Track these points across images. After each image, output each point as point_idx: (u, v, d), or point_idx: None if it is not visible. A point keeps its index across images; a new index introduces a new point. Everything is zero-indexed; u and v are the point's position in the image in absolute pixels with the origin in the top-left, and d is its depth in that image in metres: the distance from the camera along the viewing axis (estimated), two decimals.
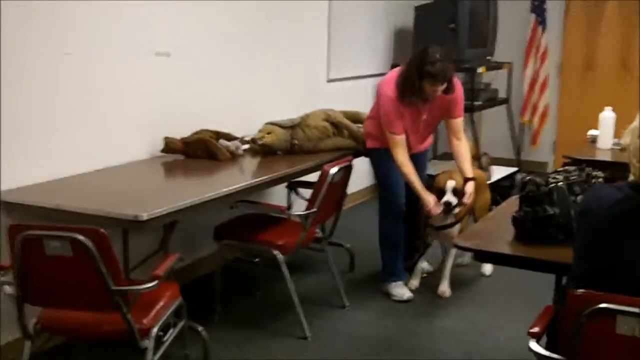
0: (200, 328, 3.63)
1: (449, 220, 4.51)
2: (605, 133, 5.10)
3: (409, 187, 4.61)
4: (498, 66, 7.24)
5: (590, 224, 2.38)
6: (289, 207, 5.11)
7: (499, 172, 6.73)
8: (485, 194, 4.84)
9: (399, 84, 4.29)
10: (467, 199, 4.40)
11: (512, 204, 3.54)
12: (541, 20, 7.67)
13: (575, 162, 4.91)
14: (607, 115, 5.09)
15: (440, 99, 4.34)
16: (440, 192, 4.41)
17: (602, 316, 2.22)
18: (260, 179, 4.06)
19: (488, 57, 7.21)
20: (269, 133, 4.57)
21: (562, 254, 2.84)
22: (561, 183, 2.99)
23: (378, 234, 4.78)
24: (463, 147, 4.56)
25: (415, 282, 4.79)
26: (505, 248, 2.95)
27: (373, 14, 6.81)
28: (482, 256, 2.97)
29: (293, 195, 5.08)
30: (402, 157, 4.42)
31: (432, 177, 4.62)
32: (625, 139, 2.43)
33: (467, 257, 5.16)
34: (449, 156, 6.71)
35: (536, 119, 7.86)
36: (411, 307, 4.57)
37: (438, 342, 4.14)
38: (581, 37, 8.09)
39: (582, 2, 8.00)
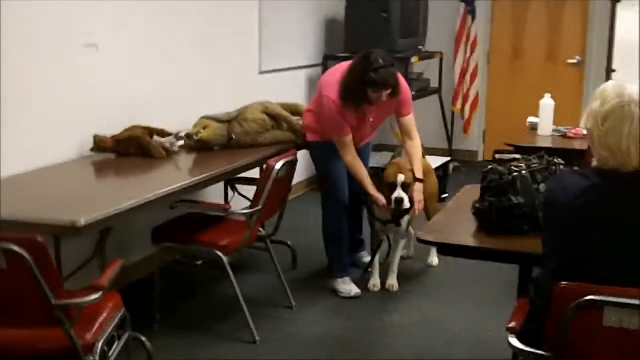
0: (143, 338, 3.42)
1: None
2: (545, 120, 5.07)
3: (352, 180, 4.48)
4: (430, 56, 7.19)
5: (558, 214, 2.30)
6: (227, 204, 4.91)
7: (431, 162, 6.64)
8: (432, 181, 4.72)
9: (342, 90, 4.15)
10: (418, 205, 4.32)
11: (468, 193, 3.44)
12: (471, 10, 7.63)
13: (518, 149, 4.89)
14: (547, 103, 5.06)
15: (387, 100, 4.21)
16: (390, 187, 4.28)
17: (589, 309, 2.11)
18: (201, 177, 3.84)
19: (420, 47, 7.14)
20: (204, 128, 4.36)
21: (527, 244, 2.76)
22: (524, 171, 2.88)
23: (322, 230, 4.63)
24: (415, 147, 4.45)
25: (377, 282, 4.63)
26: (470, 240, 2.84)
27: (304, 5, 6.64)
28: (447, 250, 2.83)
29: (230, 193, 4.88)
30: (351, 157, 4.31)
31: (379, 170, 4.49)
32: (586, 123, 2.34)
33: (412, 250, 5.06)
34: (385, 147, 6.70)
35: (467, 108, 7.83)
36: (360, 304, 4.43)
37: (391, 339, 4.02)
38: (509, 26, 8.10)
39: None
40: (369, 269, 4.69)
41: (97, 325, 2.85)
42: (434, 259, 4.97)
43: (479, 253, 2.81)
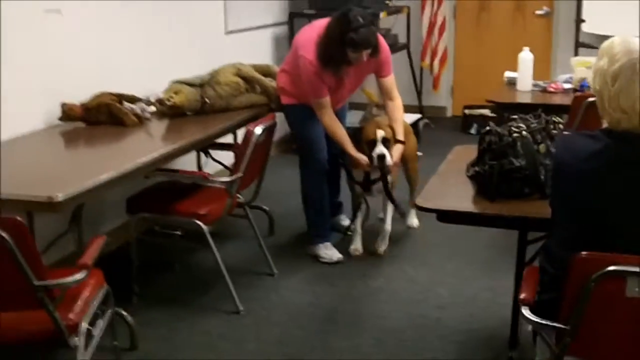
0: (125, 313, 3.30)
1: (376, 176, 4.26)
2: (524, 75, 4.96)
3: (329, 142, 4.34)
4: (397, 10, 7.03)
5: (568, 179, 2.19)
6: (200, 170, 4.77)
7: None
8: (411, 142, 4.60)
9: (320, 51, 3.98)
10: (396, 159, 4.18)
11: (459, 155, 3.34)
12: None
13: (499, 106, 4.80)
14: (526, 57, 4.94)
15: (367, 60, 4.05)
16: (370, 144, 4.14)
17: (610, 279, 2.02)
18: (178, 144, 3.69)
19: (387, 2, 6.98)
20: (176, 93, 4.18)
21: (530, 208, 2.67)
22: (524, 132, 2.77)
23: (301, 194, 4.50)
24: (395, 108, 4.30)
25: (359, 246, 4.52)
26: (471, 206, 2.73)
27: None
28: (447, 217, 2.72)
29: (204, 158, 4.72)
30: (329, 118, 4.16)
31: (356, 130, 4.35)
32: (594, 83, 2.23)
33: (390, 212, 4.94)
34: (355, 106, 6.55)
35: (436, 63, 7.69)
36: (343, 269, 4.33)
37: (378, 305, 3.92)
38: None
39: None
40: (349, 233, 4.57)
41: (80, 304, 2.72)
42: (414, 220, 4.88)
43: (483, 219, 2.69)
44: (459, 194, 2.82)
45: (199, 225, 3.71)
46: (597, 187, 2.12)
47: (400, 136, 4.22)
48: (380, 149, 4.09)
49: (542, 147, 2.83)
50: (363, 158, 4.13)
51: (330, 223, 4.58)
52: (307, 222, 4.52)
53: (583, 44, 7.16)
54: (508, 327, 3.28)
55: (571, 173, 2.16)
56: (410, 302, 3.91)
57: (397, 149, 4.20)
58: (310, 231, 4.52)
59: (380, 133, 4.12)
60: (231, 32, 5.86)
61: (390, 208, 4.45)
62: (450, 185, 2.92)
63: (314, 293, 4.05)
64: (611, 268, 2.00)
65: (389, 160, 4.10)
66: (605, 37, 6.52)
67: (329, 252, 4.41)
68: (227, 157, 4.99)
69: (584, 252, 2.05)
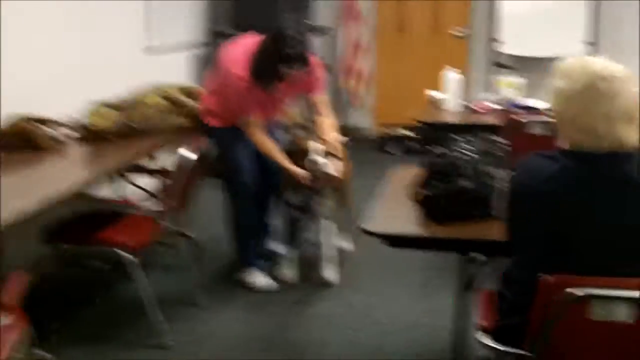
0: (48, 355, 3.06)
1: (315, 198, 4.14)
2: (452, 94, 4.93)
3: (258, 165, 4.21)
4: (320, 31, 6.95)
5: (528, 201, 2.14)
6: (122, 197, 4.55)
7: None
8: (347, 165, 4.49)
9: (254, 68, 3.86)
10: (337, 173, 4.07)
11: (397, 177, 3.25)
12: None
13: (430, 126, 4.77)
14: (452, 77, 4.93)
15: (299, 78, 3.95)
16: (309, 158, 4.01)
17: (575, 302, 1.95)
18: (100, 170, 3.51)
19: (310, 22, 6.91)
20: (99, 116, 3.98)
21: (479, 230, 2.60)
22: (472, 153, 2.70)
23: (229, 220, 4.33)
24: (330, 125, 4.20)
25: (291, 272, 4.38)
26: (421, 230, 2.64)
27: None
28: (396, 241, 2.62)
29: (126, 184, 4.50)
30: (260, 136, 4.02)
31: (291, 150, 4.22)
32: (552, 103, 2.18)
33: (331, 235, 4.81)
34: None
35: (358, 83, 7.65)
36: (277, 297, 4.18)
37: (317, 333, 3.78)
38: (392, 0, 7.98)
39: None
40: (283, 258, 4.42)
41: (5, 352, 2.48)
42: (348, 243, 4.76)
43: (434, 243, 2.60)
44: (405, 217, 2.73)
45: (124, 255, 3.51)
46: (558, 209, 2.07)
47: (339, 153, 4.11)
48: (319, 158, 3.97)
49: (487, 168, 2.76)
50: (300, 171, 4.00)
51: (261, 250, 4.43)
52: (237, 249, 4.36)
53: (499, 64, 7.24)
54: (452, 352, 3.20)
55: (531, 195, 2.11)
56: (350, 329, 3.79)
57: (337, 164, 4.09)
58: (240, 258, 4.36)
59: (316, 145, 4.01)
60: (151, 51, 5.66)
61: (331, 231, 4.32)
62: (396, 209, 2.83)
63: (248, 323, 3.89)
64: (577, 291, 1.93)
65: (329, 169, 3.99)
66: (520, 58, 6.69)
67: (261, 279, 4.26)
68: (150, 182, 4.80)
69: (548, 276, 1.97)
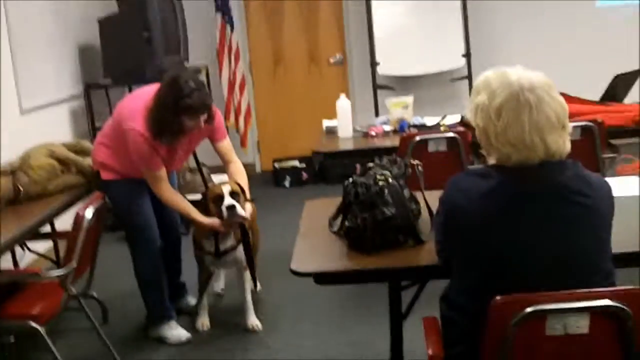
0: None
1: (229, 244, 4.01)
2: (344, 122, 4.93)
3: (164, 216, 4.11)
4: (196, 71, 6.83)
5: (463, 222, 2.08)
6: (16, 265, 4.31)
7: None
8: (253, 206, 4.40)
9: (152, 122, 3.65)
10: (248, 214, 3.92)
11: (311, 210, 3.20)
12: (228, 19, 7.37)
13: (326, 155, 4.75)
14: (343, 104, 4.93)
15: (200, 126, 3.79)
16: (217, 200, 3.87)
17: (530, 321, 1.93)
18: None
19: (184, 62, 6.79)
20: None
21: (407, 256, 2.57)
22: (390, 179, 2.67)
23: (135, 276, 4.12)
24: (238, 169, 4.09)
25: (206, 321, 4.23)
26: (349, 264, 2.57)
27: (54, 34, 6.01)
28: (325, 279, 2.54)
29: (19, 251, 4.26)
30: (168, 191, 3.86)
31: (200, 199, 4.07)
32: (475, 119, 2.14)
33: (222, 283, 4.69)
34: None
35: (241, 120, 7.57)
36: (193, 349, 4.01)
37: None
38: (265, 33, 7.98)
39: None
40: (197, 307, 4.27)
41: None
42: (256, 283, 4.66)
43: (365, 275, 2.54)
44: (332, 252, 2.65)
45: (33, 327, 3.29)
46: (497, 226, 2.02)
47: (247, 194, 4.00)
48: (228, 200, 3.83)
49: (406, 192, 2.74)
50: (214, 220, 3.86)
51: (174, 306, 4.27)
52: (146, 304, 4.16)
53: (380, 85, 7.34)
54: None
55: (467, 216, 2.05)
56: None
57: (248, 206, 3.96)
58: (150, 313, 4.17)
59: (227, 187, 3.88)
60: (27, 111, 5.40)
61: (248, 277, 4.19)
62: (319, 245, 2.75)
63: None
64: (530, 309, 1.90)
65: (240, 211, 3.83)
66: (401, 77, 6.80)
67: (175, 331, 4.10)
68: (44, 245, 4.57)
69: (498, 297, 1.94)
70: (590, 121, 4.17)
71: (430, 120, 4.99)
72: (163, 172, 3.81)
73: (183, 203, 3.90)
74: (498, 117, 2.04)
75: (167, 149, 3.81)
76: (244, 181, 4.03)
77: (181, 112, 3.61)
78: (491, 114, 2.05)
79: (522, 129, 2.01)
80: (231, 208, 3.80)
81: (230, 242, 4.01)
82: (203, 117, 3.70)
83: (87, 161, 4.17)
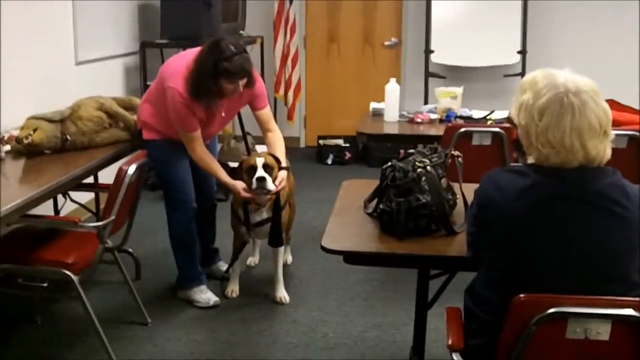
0: None
1: (264, 216, 4.06)
2: (391, 105, 4.93)
3: (201, 182, 4.14)
4: (251, 41, 6.89)
5: (497, 218, 2.09)
6: (57, 212, 4.41)
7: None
8: (290, 177, 4.43)
9: (191, 83, 3.69)
10: (280, 184, 3.94)
11: (349, 190, 3.22)
12: None
13: (370, 137, 4.77)
14: (392, 88, 4.93)
15: (241, 92, 3.84)
16: (249, 171, 3.90)
17: (550, 322, 1.94)
18: (41, 189, 3.31)
19: (241, 32, 6.84)
20: (35, 130, 3.81)
21: (437, 245, 2.59)
22: (429, 167, 2.68)
23: (169, 236, 4.21)
24: (276, 138, 4.11)
25: (235, 288, 4.30)
26: (379, 246, 2.60)
27: None
28: (356, 259, 2.58)
29: (61, 199, 4.35)
30: (200, 151, 3.91)
31: (233, 169, 4.14)
32: (518, 117, 2.15)
33: (289, 255, 4.75)
34: None
35: (290, 94, 7.60)
36: (220, 313, 4.09)
37: (262, 351, 3.71)
38: (323, 9, 7.97)
39: None
40: (227, 274, 4.34)
41: None
42: (288, 256, 4.72)
43: (394, 259, 2.57)
44: (363, 233, 2.68)
45: (67, 275, 3.38)
46: (529, 225, 2.04)
47: (284, 162, 4.03)
48: (260, 172, 3.85)
49: (443, 182, 2.76)
50: (238, 184, 3.90)
51: (205, 271, 4.34)
52: (178, 266, 4.24)
53: (432, 73, 7.31)
54: None
55: (500, 212, 2.07)
56: (296, 346, 3.74)
57: (282, 174, 3.98)
58: (181, 275, 4.25)
59: (260, 160, 3.91)
60: (82, 62, 5.50)
61: (281, 251, 4.24)
62: (351, 224, 2.78)
63: (193, 341, 3.79)
64: (552, 310, 1.92)
65: (269, 185, 3.86)
66: (453, 67, 6.76)
67: (205, 295, 4.16)
68: (85, 196, 4.67)
69: (522, 295, 1.95)
70: (638, 131, 4.12)
71: (477, 114, 4.97)
72: (197, 133, 3.86)
73: (213, 163, 3.96)
74: (540, 117, 2.04)
75: (205, 111, 3.84)
76: (281, 150, 4.06)
77: (219, 75, 3.64)
78: (534, 114, 2.06)
79: (563, 131, 2.01)
80: (261, 180, 3.84)
81: (264, 214, 4.05)
82: (242, 82, 3.73)
83: (135, 118, 4.23)
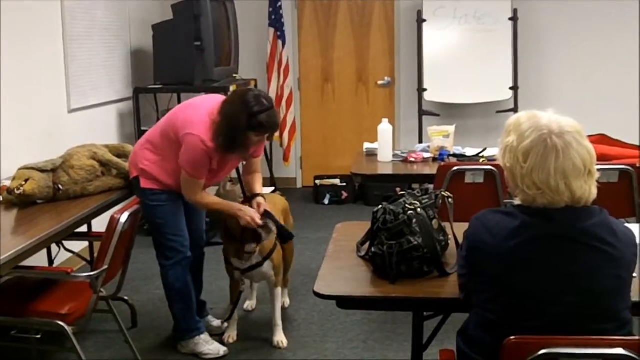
0: None
1: (255, 261, 4.03)
2: (384, 146, 4.94)
3: (190, 229, 4.12)
4: (245, 83, 6.91)
5: (488, 259, 2.09)
6: (52, 262, 4.39)
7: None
8: (290, 219, 4.42)
9: (222, 137, 3.62)
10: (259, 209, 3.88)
11: (343, 233, 3.21)
12: (280, 35, 7.45)
13: (364, 178, 4.77)
14: (385, 128, 4.93)
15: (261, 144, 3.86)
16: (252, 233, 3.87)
17: None
18: (34, 239, 3.30)
19: (234, 75, 6.88)
20: (26, 180, 3.81)
21: (430, 287, 2.58)
22: (419, 209, 2.68)
23: (164, 288, 4.12)
24: (257, 178, 4.11)
25: (233, 334, 4.27)
26: (372, 290, 2.58)
27: (108, 36, 6.14)
28: (349, 304, 2.56)
29: (55, 248, 4.33)
30: (200, 194, 3.86)
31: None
32: (503, 159, 2.17)
33: (254, 303, 4.72)
34: None
35: (285, 135, 7.63)
36: None
37: None
38: (317, 51, 8.03)
39: (313, 16, 7.94)
40: (227, 322, 4.28)
41: None
42: (286, 298, 4.70)
43: (386, 303, 2.55)
44: (356, 277, 2.67)
45: (61, 325, 3.35)
46: (519, 265, 2.04)
47: (259, 190, 4.03)
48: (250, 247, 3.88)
49: (434, 223, 2.75)
50: (247, 210, 3.83)
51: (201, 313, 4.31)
52: (175, 317, 4.15)
53: (426, 111, 7.34)
54: None
55: (490, 253, 2.07)
56: None
57: (261, 200, 3.94)
58: (180, 326, 4.14)
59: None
60: (74, 110, 5.53)
61: (278, 293, 4.24)
62: (345, 268, 2.77)
63: None
64: (544, 351, 1.90)
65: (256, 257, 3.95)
66: (447, 105, 6.78)
67: (212, 346, 4.07)
68: (79, 245, 4.65)
69: (513, 337, 1.94)
70: (629, 165, 4.12)
71: (470, 151, 4.97)
72: (203, 181, 3.82)
73: (214, 200, 3.99)
74: (525, 159, 2.06)
75: (219, 161, 3.81)
76: (260, 185, 4.07)
77: (251, 129, 3.59)
78: (519, 156, 2.07)
79: (548, 173, 2.02)
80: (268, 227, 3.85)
81: (253, 259, 4.02)
82: (267, 134, 3.72)
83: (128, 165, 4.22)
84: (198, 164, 3.74)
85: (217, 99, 3.79)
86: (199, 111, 3.76)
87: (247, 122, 3.57)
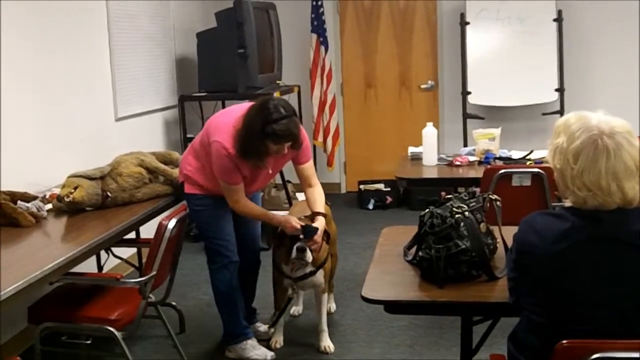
0: None
1: (308, 270, 4.02)
2: (429, 149, 4.91)
3: (244, 236, 4.14)
4: (288, 90, 6.94)
5: (538, 262, 2.07)
6: (100, 268, 4.45)
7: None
8: (332, 227, 4.42)
9: (239, 142, 3.67)
10: (318, 236, 3.87)
11: (389, 237, 3.20)
12: (322, 40, 7.47)
13: (409, 182, 4.75)
14: (430, 132, 4.91)
15: (287, 149, 3.80)
16: (292, 238, 3.86)
17: None
18: (83, 246, 3.35)
19: (278, 81, 6.91)
20: (75, 188, 3.87)
21: (478, 291, 2.55)
22: (467, 212, 2.66)
23: (213, 292, 4.16)
24: (316, 193, 4.03)
25: (280, 339, 4.28)
26: (420, 295, 2.57)
27: (153, 45, 6.22)
28: (396, 308, 2.56)
29: (104, 255, 4.39)
30: (243, 201, 3.89)
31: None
32: (553, 160, 2.13)
33: (300, 308, 4.72)
34: None
35: (329, 140, 7.64)
36: None
37: None
38: (359, 55, 8.03)
39: (355, 21, 7.95)
40: (273, 328, 4.29)
41: None
42: (332, 304, 4.70)
43: (434, 308, 2.54)
44: (404, 282, 2.66)
45: (110, 331, 3.40)
46: (569, 268, 2.02)
47: (321, 209, 3.98)
48: (301, 242, 3.83)
49: (482, 226, 2.73)
50: (288, 219, 3.86)
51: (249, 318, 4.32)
52: (223, 322, 4.17)
53: (470, 115, 7.29)
54: None
55: (539, 256, 2.05)
56: None
57: (320, 220, 3.92)
58: (227, 331, 4.16)
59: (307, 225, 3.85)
60: (121, 118, 5.60)
61: (325, 300, 4.24)
62: (391, 273, 2.76)
63: None
64: (597, 355, 1.88)
65: (309, 256, 3.85)
66: (491, 107, 6.71)
67: (259, 351, 4.09)
68: (128, 251, 4.71)
69: (565, 341, 1.92)
70: None
71: (517, 154, 4.93)
72: (240, 186, 3.84)
73: (255, 208, 3.97)
74: (575, 160, 2.03)
75: (251, 168, 3.84)
76: (321, 204, 4.00)
77: (266, 137, 3.61)
78: (569, 157, 2.04)
79: (599, 174, 1.99)
80: (301, 250, 3.83)
81: (308, 268, 4.01)
82: (288, 144, 3.72)
83: (176, 172, 4.26)
84: (226, 170, 3.77)
85: (246, 107, 3.81)
86: (228, 118, 3.81)
87: (262, 130, 3.58)
